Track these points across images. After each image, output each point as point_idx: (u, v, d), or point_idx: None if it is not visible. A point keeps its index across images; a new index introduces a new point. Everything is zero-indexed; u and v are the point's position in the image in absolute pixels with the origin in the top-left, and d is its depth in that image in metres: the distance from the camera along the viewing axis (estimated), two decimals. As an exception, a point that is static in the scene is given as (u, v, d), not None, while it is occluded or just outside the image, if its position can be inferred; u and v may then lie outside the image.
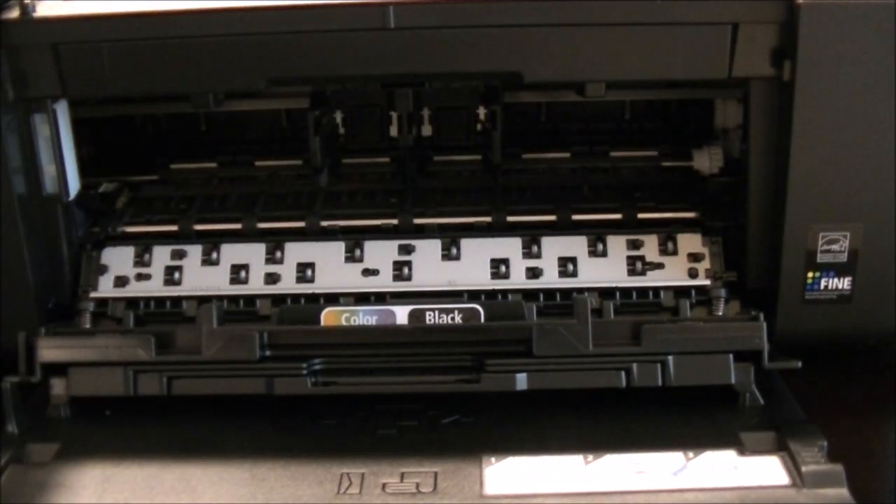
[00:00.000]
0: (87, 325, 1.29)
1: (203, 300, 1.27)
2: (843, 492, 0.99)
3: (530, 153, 1.47)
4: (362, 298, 1.28)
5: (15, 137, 1.21)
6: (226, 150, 1.51)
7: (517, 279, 1.28)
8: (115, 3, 1.17)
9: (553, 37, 1.15)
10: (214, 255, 1.32)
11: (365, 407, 1.18)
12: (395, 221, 1.35)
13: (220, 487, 1.05)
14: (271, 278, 1.30)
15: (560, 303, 1.26)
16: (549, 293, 1.27)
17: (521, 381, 1.14)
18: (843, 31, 1.10)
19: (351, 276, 1.30)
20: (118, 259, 1.32)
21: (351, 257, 1.31)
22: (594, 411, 1.16)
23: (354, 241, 1.32)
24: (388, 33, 1.15)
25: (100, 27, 1.17)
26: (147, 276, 1.31)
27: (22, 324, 1.21)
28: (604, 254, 1.29)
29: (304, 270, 1.30)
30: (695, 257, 1.28)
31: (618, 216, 1.33)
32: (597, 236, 1.30)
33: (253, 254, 1.32)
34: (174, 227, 1.36)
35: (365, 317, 1.23)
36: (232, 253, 1.32)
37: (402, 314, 1.23)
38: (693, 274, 1.28)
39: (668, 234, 1.30)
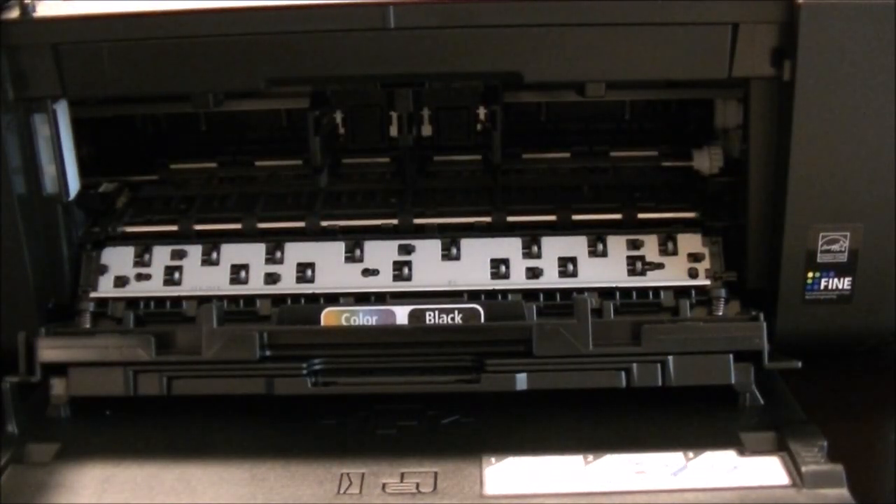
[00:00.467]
0: (87, 325, 1.29)
1: (203, 300, 1.27)
2: (843, 492, 0.99)
3: (530, 153, 1.47)
4: (362, 298, 1.28)
5: (15, 137, 1.21)
6: (226, 150, 1.52)
7: (517, 279, 1.28)
8: (115, 3, 1.17)
9: (553, 37, 1.15)
10: (214, 255, 1.32)
11: (365, 407, 1.18)
12: (395, 221, 1.35)
13: (220, 487, 1.05)
14: (271, 278, 1.30)
15: (560, 303, 1.26)
16: (549, 293, 1.27)
17: (521, 381, 1.14)
18: (843, 31, 1.10)
19: (351, 276, 1.30)
20: (118, 259, 1.32)
21: (351, 257, 1.31)
22: (594, 411, 1.16)
23: (354, 241, 1.32)
24: (388, 33, 1.15)
25: (100, 27, 1.17)
26: (147, 276, 1.31)
27: (22, 324, 1.21)
28: (604, 254, 1.29)
29: (304, 270, 1.30)
30: (695, 257, 1.28)
31: (618, 216, 1.33)
32: (597, 236, 1.30)
33: (253, 254, 1.32)
34: (174, 227, 1.35)
35: (365, 317, 1.23)
36: (232, 253, 1.32)
37: (402, 314, 1.23)
38: (693, 274, 1.28)
39: (668, 234, 1.30)
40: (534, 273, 1.29)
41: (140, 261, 1.32)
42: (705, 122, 1.47)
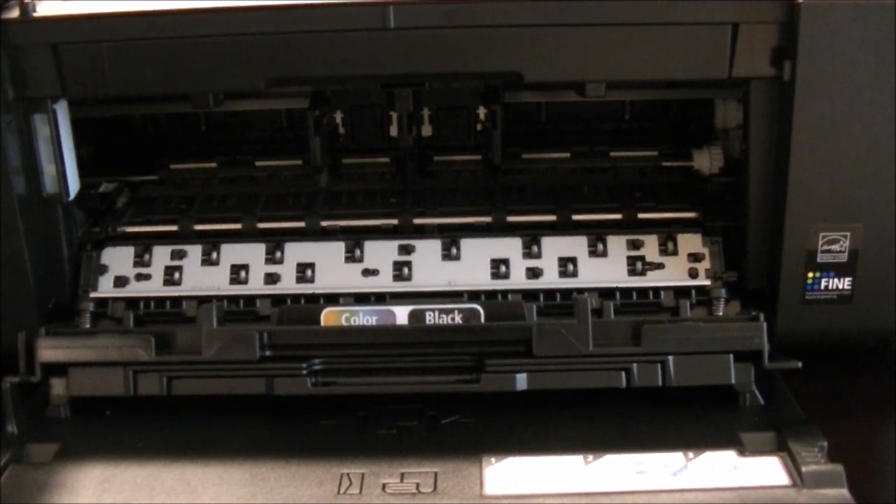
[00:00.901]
0: (87, 326, 1.29)
1: (203, 300, 1.27)
2: (843, 492, 0.99)
3: (530, 153, 1.47)
4: (362, 298, 1.28)
5: (15, 137, 1.21)
6: (226, 150, 1.51)
7: (517, 279, 1.28)
8: (115, 3, 1.17)
9: (553, 37, 1.15)
10: (214, 255, 1.32)
11: (365, 407, 1.18)
12: (395, 221, 1.35)
13: (220, 487, 1.05)
14: (271, 278, 1.30)
15: (560, 303, 1.26)
16: (549, 293, 1.27)
17: (521, 381, 1.14)
18: (843, 31, 1.10)
19: (351, 276, 1.30)
20: (118, 259, 1.32)
21: (351, 257, 1.31)
22: (594, 411, 1.16)
23: (354, 242, 1.32)
24: (388, 33, 1.15)
25: (100, 27, 1.17)
26: (147, 277, 1.31)
27: (22, 324, 1.21)
28: (604, 254, 1.29)
29: (304, 270, 1.30)
30: (695, 257, 1.28)
31: (618, 216, 1.34)
32: (597, 236, 1.30)
33: (253, 254, 1.32)
34: (174, 228, 1.36)
35: (365, 317, 1.23)
36: (232, 253, 1.32)
37: (402, 314, 1.23)
38: (693, 274, 1.28)
39: (668, 234, 1.30)
40: (534, 273, 1.29)
41: (140, 261, 1.32)
42: (705, 122, 1.47)
